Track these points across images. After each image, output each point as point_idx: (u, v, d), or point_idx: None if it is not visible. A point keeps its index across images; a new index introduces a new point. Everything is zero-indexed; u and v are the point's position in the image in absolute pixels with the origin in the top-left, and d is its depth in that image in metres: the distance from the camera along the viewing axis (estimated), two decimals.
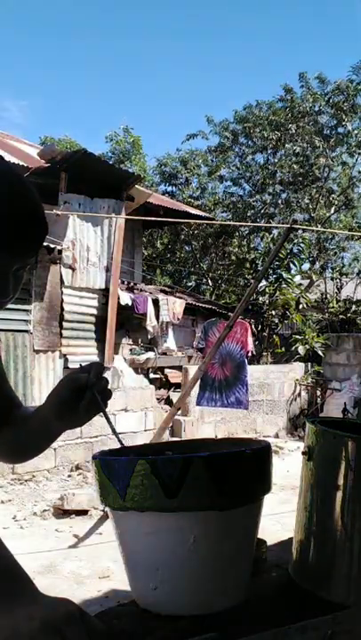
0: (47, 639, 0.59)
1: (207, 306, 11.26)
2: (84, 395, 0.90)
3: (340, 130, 13.49)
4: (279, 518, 4.34)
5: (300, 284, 12.64)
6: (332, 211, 13.95)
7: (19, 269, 0.85)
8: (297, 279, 12.32)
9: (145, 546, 0.87)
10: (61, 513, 5.71)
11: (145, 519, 0.85)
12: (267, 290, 11.45)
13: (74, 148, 15.17)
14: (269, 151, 14.47)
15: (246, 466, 0.87)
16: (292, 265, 11.62)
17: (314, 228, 12.56)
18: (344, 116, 12.97)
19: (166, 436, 7.57)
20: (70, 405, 0.91)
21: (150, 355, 9.29)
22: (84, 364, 0.94)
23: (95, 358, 7.49)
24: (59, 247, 6.97)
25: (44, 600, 0.64)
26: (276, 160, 14.47)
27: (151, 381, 8.84)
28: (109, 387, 0.94)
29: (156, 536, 0.86)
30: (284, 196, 14.44)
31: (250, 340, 7.47)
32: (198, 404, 7.76)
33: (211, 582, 0.87)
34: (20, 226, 0.80)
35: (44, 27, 45.81)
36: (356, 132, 13.24)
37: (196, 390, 7.61)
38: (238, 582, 0.91)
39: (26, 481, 6.66)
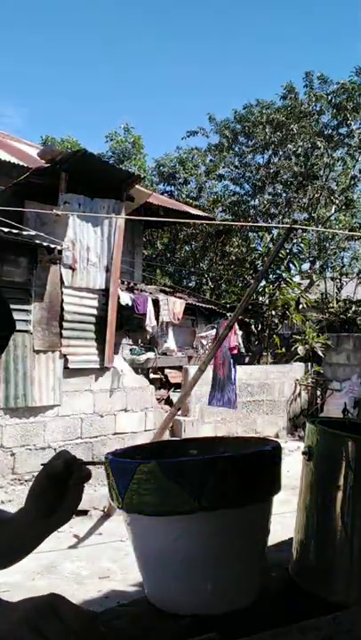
0: (26, 637, 0.59)
1: (207, 306, 11.26)
2: (63, 484, 0.89)
3: (342, 130, 13.50)
4: (279, 518, 4.33)
5: (300, 284, 12.64)
6: (333, 210, 13.95)
7: None
8: (297, 279, 12.33)
9: (207, 546, 0.85)
10: None
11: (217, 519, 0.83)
12: (267, 290, 11.45)
13: (75, 148, 15.18)
14: (270, 151, 14.46)
15: (265, 464, 0.87)
16: (291, 265, 11.63)
17: (314, 228, 12.57)
18: (348, 115, 12.95)
19: (166, 437, 7.56)
20: (53, 494, 0.89)
21: (150, 355, 9.29)
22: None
23: (95, 358, 7.49)
24: (59, 247, 6.96)
25: (17, 602, 0.65)
26: (277, 160, 14.46)
27: (151, 381, 8.83)
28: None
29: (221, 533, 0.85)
30: (284, 195, 14.45)
31: (233, 337, 7.48)
32: (210, 403, 7.77)
33: (230, 581, 0.86)
34: None
35: (45, 26, 45.83)
36: (359, 131, 13.23)
37: (198, 390, 7.62)
38: (253, 581, 0.90)
39: (26, 481, 6.66)
